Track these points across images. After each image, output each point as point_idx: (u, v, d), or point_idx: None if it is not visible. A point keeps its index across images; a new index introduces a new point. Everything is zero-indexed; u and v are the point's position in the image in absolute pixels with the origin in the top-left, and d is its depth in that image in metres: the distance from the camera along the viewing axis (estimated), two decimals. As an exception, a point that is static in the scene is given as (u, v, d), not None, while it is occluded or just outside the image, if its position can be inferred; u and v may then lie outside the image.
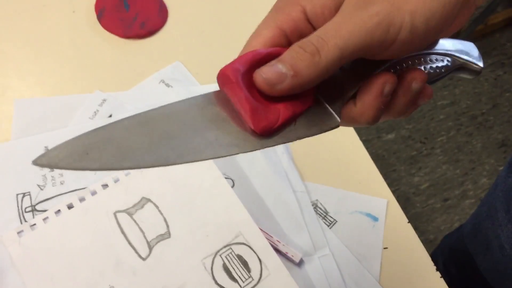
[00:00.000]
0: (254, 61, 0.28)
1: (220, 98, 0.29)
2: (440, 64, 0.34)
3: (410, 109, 0.33)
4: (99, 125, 0.58)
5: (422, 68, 0.33)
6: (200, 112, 0.29)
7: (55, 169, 0.54)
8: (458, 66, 0.34)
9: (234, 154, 0.28)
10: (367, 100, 0.30)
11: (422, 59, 0.33)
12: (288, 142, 0.30)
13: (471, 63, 0.34)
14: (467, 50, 0.35)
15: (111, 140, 0.27)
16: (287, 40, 0.30)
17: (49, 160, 0.26)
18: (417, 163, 1.69)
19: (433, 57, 0.33)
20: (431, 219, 1.59)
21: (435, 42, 0.33)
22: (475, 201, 1.63)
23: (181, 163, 0.27)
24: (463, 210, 1.61)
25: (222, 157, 0.28)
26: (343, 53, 0.27)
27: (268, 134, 0.29)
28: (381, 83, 0.30)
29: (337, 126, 0.31)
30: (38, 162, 0.26)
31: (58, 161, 0.26)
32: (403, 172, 1.66)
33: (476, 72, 0.35)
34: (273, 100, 0.29)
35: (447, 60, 0.34)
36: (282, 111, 0.29)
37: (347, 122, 0.32)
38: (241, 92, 0.28)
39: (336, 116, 0.31)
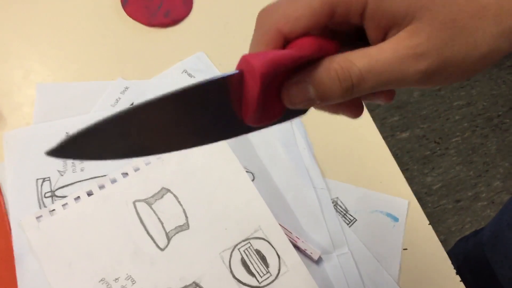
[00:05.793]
0: (282, 65, 0.27)
1: (233, 80, 0.28)
2: None
3: None
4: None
5: None
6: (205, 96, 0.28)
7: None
8: None
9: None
10: None
11: None
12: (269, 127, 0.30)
13: None
14: None
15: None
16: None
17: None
18: (430, 163, 1.67)
19: None
20: (442, 219, 1.58)
21: None
22: (488, 204, 1.61)
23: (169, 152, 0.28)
24: (475, 212, 1.60)
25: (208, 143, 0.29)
26: (375, 89, 0.27)
27: (257, 127, 0.30)
28: None
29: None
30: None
31: None
32: (416, 171, 1.65)
33: None
34: (279, 101, 0.29)
35: None
36: (280, 111, 0.29)
37: None
38: (256, 89, 0.27)
39: None
